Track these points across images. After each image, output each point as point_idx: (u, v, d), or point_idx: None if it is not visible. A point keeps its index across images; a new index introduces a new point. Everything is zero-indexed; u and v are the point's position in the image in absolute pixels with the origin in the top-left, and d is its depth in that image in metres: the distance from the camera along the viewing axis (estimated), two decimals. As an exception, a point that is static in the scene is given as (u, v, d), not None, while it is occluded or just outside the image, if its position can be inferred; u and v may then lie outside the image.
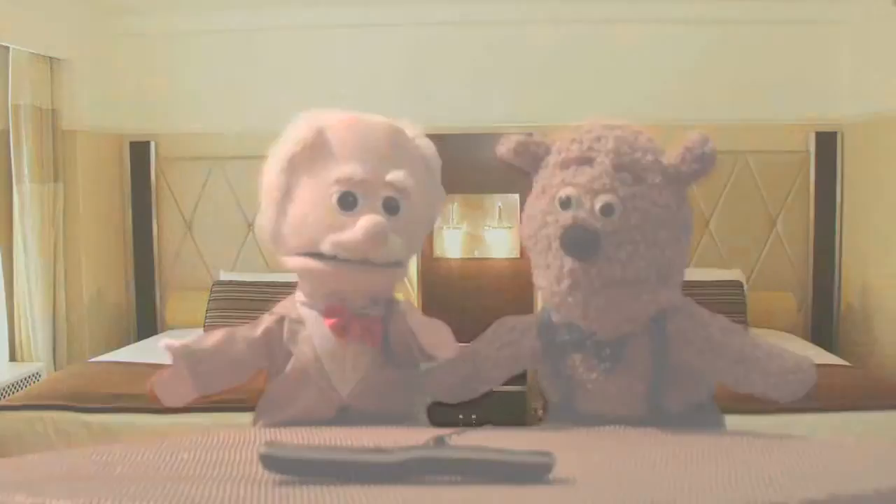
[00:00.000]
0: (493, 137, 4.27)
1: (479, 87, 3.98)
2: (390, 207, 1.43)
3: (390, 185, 1.42)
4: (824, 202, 3.81)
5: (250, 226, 4.00)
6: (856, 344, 3.70)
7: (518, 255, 3.96)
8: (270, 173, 1.47)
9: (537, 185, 1.44)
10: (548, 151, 1.45)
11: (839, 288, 3.85)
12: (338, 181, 1.40)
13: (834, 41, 3.83)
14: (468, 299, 3.97)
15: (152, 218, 4.05)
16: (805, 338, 3.69)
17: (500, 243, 3.96)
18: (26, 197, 3.47)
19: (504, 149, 1.49)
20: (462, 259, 3.98)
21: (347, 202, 1.40)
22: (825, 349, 3.45)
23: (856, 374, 2.87)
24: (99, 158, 3.94)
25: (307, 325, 1.46)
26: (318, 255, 1.41)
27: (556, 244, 1.32)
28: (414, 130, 1.54)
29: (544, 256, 1.37)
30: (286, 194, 1.44)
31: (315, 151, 1.43)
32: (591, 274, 1.30)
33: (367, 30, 3.98)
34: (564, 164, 1.39)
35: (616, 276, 1.30)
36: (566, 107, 3.89)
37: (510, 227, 3.94)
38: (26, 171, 3.46)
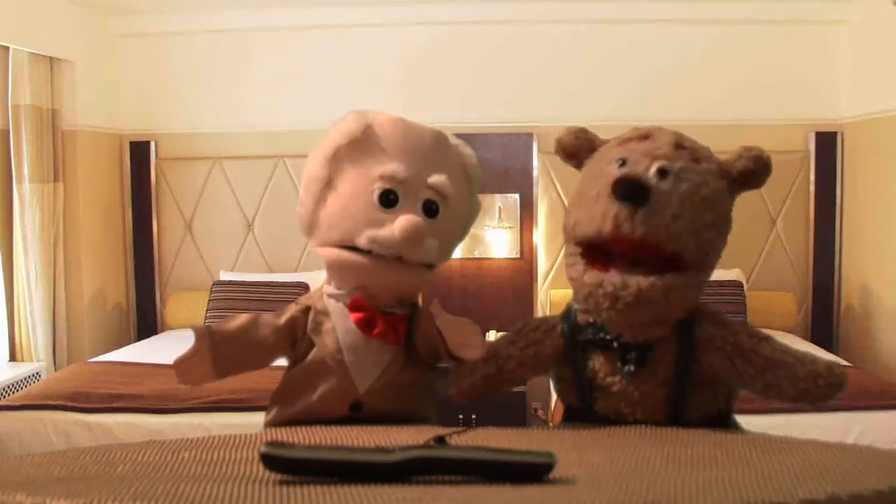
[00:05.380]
0: (493, 137, 4.30)
1: (478, 87, 3.99)
2: (429, 210, 1.44)
3: (432, 187, 1.44)
4: (824, 202, 3.81)
5: (250, 226, 4.01)
6: (856, 344, 3.70)
7: (518, 255, 3.96)
8: (313, 164, 1.49)
9: (592, 162, 1.46)
10: (605, 142, 1.49)
11: (839, 288, 3.85)
12: (381, 178, 1.41)
13: (834, 41, 3.84)
14: (468, 299, 3.97)
15: (152, 218, 4.06)
16: (805, 338, 3.70)
17: (500, 243, 3.95)
18: (26, 197, 3.47)
19: (565, 134, 1.52)
20: (462, 259, 3.98)
21: (388, 200, 1.41)
22: (825, 349, 3.45)
23: (856, 374, 2.86)
24: (99, 158, 3.95)
25: (332, 317, 1.47)
26: (353, 248, 1.42)
27: (605, 192, 1.32)
28: (456, 139, 1.57)
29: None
30: (328, 185, 1.46)
31: (361, 146, 1.45)
32: (634, 219, 1.29)
33: (367, 30, 3.98)
34: (624, 142, 1.42)
35: (658, 229, 1.29)
36: (566, 107, 3.90)
37: (510, 227, 3.94)
38: (26, 171, 3.46)
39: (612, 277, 1.31)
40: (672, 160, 1.34)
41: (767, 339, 1.38)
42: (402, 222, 1.38)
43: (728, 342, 1.36)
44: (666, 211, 1.30)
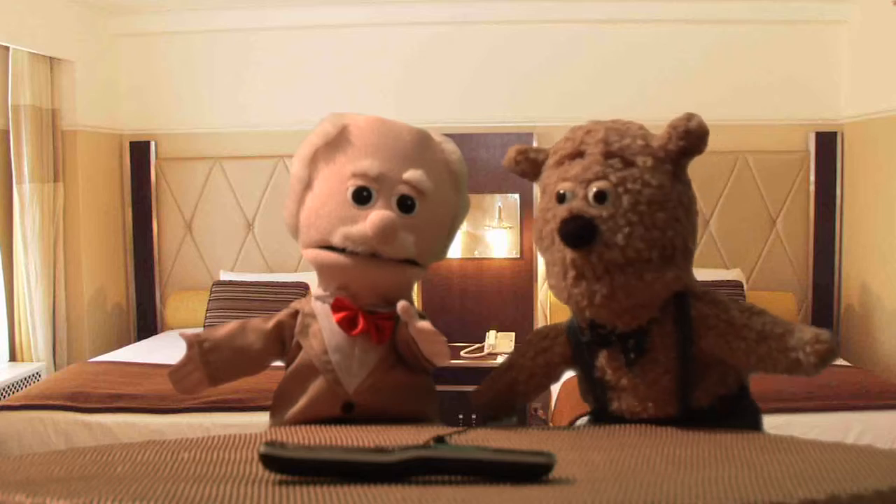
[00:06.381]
0: (493, 137, 4.30)
1: (478, 87, 3.98)
2: (405, 205, 1.45)
3: (407, 183, 1.44)
4: (824, 202, 3.81)
5: (250, 226, 4.01)
6: (856, 344, 3.70)
7: (518, 255, 3.96)
8: (294, 166, 1.52)
9: (539, 188, 1.48)
10: (546, 156, 1.49)
11: (839, 288, 3.85)
12: (354, 175, 1.43)
13: (834, 41, 3.84)
14: (468, 299, 3.97)
15: (152, 218, 4.05)
16: (805, 338, 3.69)
17: (500, 243, 3.95)
18: (26, 196, 3.47)
19: (506, 159, 1.54)
20: (462, 259, 3.98)
21: (361, 196, 1.42)
22: (825, 349, 3.44)
23: (856, 374, 2.87)
24: (99, 158, 3.95)
25: (318, 318, 1.47)
26: (330, 247, 1.43)
27: (557, 238, 1.35)
28: (441, 137, 1.57)
29: (551, 253, 1.40)
30: (307, 187, 1.48)
31: (337, 146, 1.47)
32: (591, 261, 1.32)
33: (367, 30, 3.98)
34: (559, 162, 1.43)
35: (616, 259, 1.32)
36: (566, 107, 3.90)
37: (510, 227, 3.94)
38: (26, 171, 3.46)
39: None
40: (605, 177, 1.34)
41: (760, 312, 1.39)
42: (373, 217, 1.39)
43: (721, 320, 1.37)
44: (617, 235, 1.31)
